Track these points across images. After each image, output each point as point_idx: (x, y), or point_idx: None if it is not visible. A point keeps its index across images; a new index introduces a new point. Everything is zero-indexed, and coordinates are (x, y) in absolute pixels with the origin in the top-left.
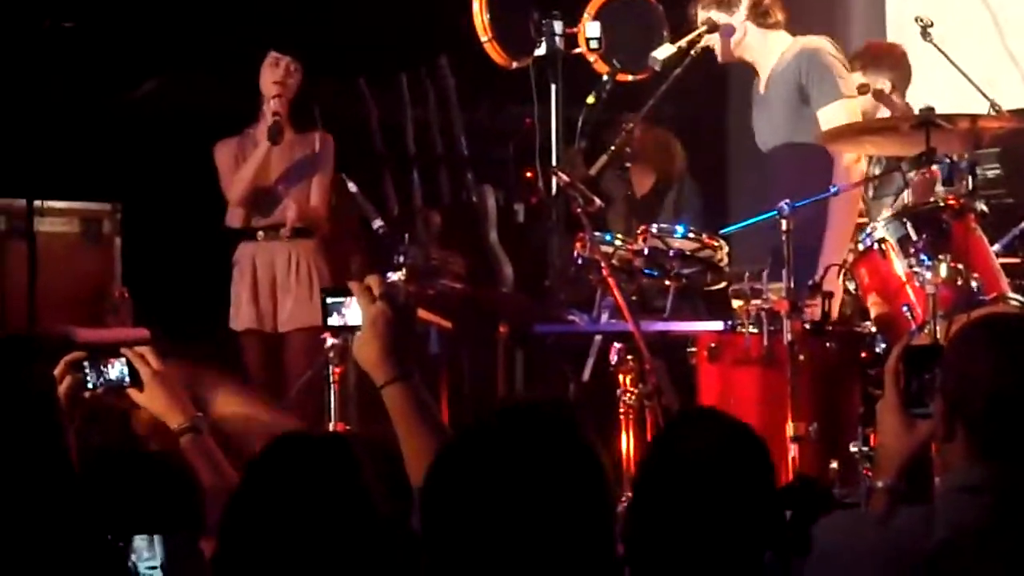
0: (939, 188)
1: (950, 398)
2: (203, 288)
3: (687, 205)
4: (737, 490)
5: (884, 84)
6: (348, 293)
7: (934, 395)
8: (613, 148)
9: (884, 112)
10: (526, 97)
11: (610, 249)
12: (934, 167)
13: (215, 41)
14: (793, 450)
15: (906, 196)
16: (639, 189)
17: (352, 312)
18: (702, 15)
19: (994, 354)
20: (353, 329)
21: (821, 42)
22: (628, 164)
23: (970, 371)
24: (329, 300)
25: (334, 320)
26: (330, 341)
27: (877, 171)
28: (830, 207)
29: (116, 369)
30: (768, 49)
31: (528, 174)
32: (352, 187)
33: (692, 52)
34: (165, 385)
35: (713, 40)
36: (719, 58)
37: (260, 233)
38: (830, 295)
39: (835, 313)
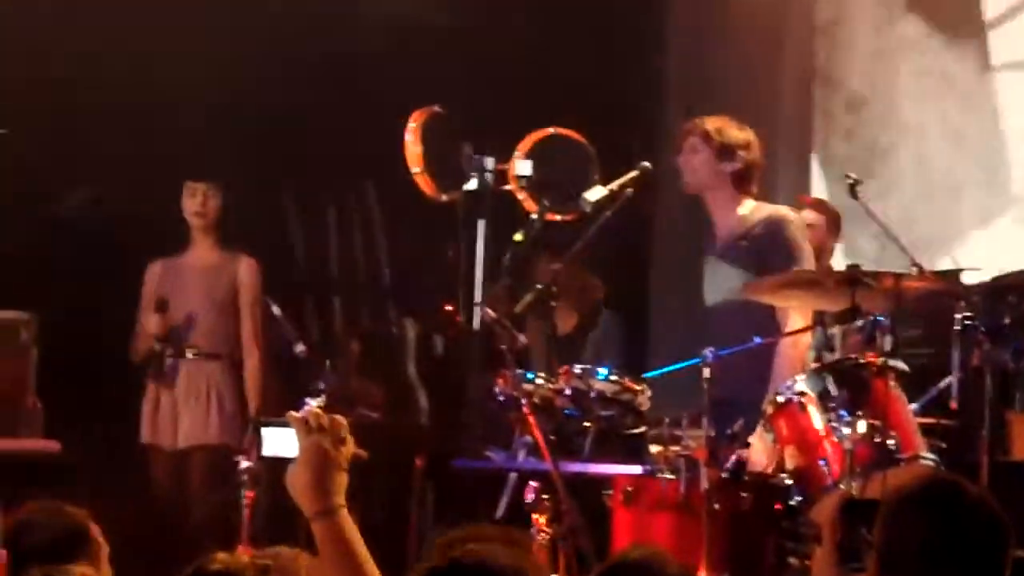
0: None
1: (884, 558)
2: (116, 401)
3: (610, 341)
4: None
5: (815, 229)
6: (283, 424)
7: (868, 551)
8: (540, 287)
9: None
10: (452, 230)
11: (531, 387)
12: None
13: (142, 156)
14: None
15: (827, 354)
16: (562, 327)
17: (286, 442)
18: (694, 140)
19: (928, 518)
20: (286, 460)
21: (788, 212)
22: (554, 303)
23: (904, 532)
24: (265, 429)
25: (268, 449)
26: (244, 464)
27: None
28: (779, 350)
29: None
30: (734, 210)
31: (448, 307)
32: (276, 310)
33: (624, 195)
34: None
35: (693, 165)
36: (688, 187)
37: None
38: (747, 445)
39: (768, 466)
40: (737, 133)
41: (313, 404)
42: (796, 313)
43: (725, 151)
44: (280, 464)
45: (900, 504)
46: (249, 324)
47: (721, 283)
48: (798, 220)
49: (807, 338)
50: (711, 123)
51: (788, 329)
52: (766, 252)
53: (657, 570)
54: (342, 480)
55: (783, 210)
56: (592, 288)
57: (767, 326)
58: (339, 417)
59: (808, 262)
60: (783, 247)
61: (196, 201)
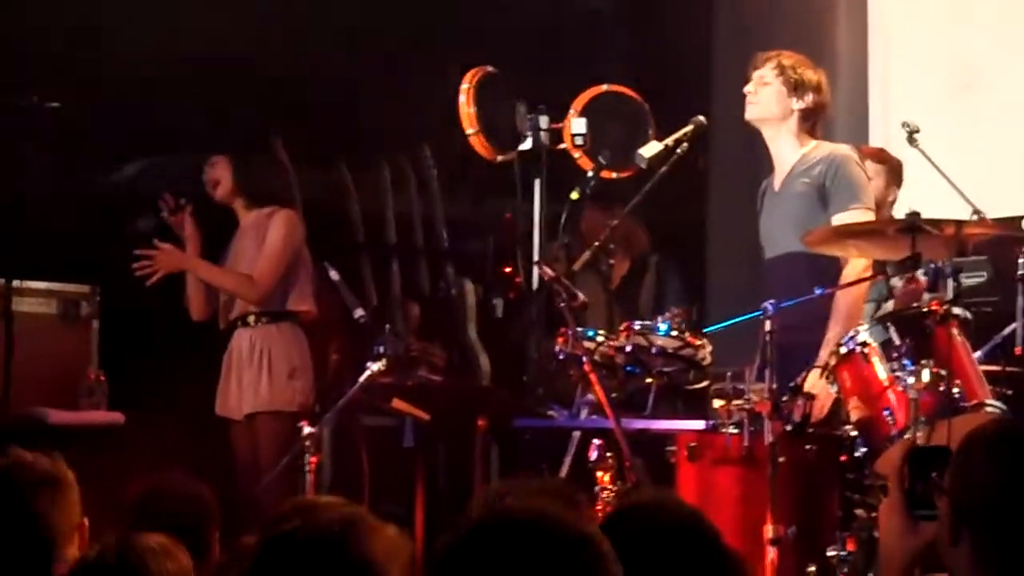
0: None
1: (956, 503)
2: (179, 373)
3: (666, 281)
4: None
5: (875, 180)
6: None
7: (939, 497)
8: (597, 244)
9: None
10: (508, 191)
11: (592, 345)
12: (920, 277)
13: (197, 126)
14: (771, 553)
15: (885, 305)
16: (615, 278)
17: None
18: (766, 71)
19: (1002, 465)
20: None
21: (849, 151)
22: (612, 261)
23: (977, 480)
24: None
25: None
26: (307, 429)
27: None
28: (836, 299)
29: None
30: (796, 146)
31: (507, 269)
32: (334, 275)
33: (678, 150)
34: None
35: (761, 94)
36: (748, 113)
37: (221, 323)
38: (811, 396)
39: (823, 411)
40: (811, 73)
41: (375, 368)
42: (856, 261)
43: (798, 87)
44: (344, 429)
45: (973, 449)
46: (261, 259)
47: (779, 222)
48: (856, 156)
49: (863, 288)
50: (787, 57)
51: (847, 273)
52: (827, 190)
53: (667, 513)
54: None
55: (844, 148)
56: (638, 234)
57: (828, 275)
58: None
59: (869, 200)
60: (844, 185)
61: (207, 175)
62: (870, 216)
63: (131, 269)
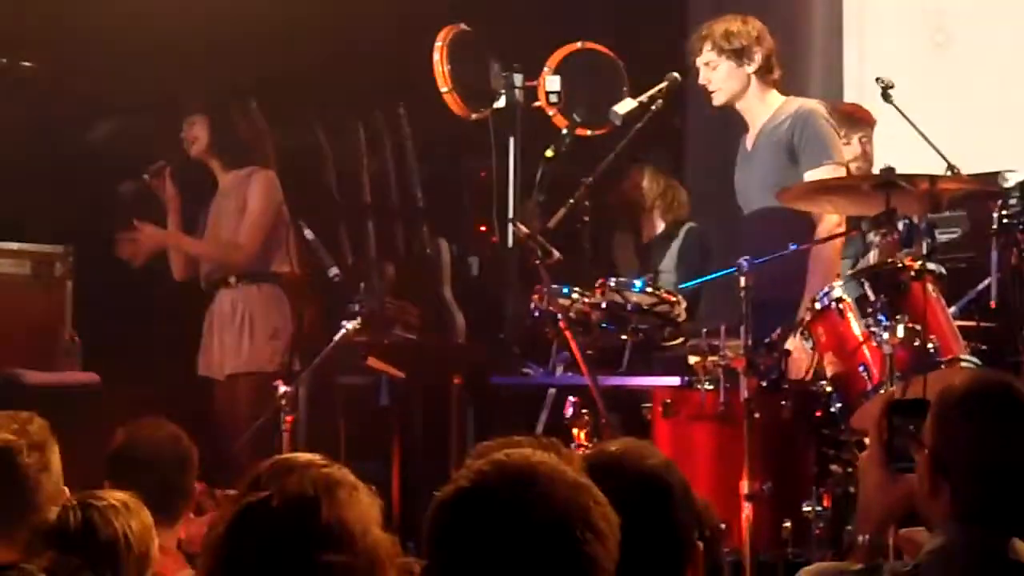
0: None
1: (935, 456)
2: (154, 334)
3: (690, 252)
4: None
5: (855, 145)
6: None
7: (917, 450)
8: (572, 201)
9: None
10: (483, 149)
11: (567, 302)
12: (895, 235)
13: (171, 85)
14: (747, 508)
15: (871, 256)
16: (646, 235)
17: None
18: (708, 55)
19: (978, 420)
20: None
21: (816, 105)
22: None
23: (955, 433)
24: None
25: None
26: (282, 389)
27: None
28: (812, 256)
29: None
30: (764, 105)
31: (483, 227)
32: (309, 234)
33: (653, 107)
34: None
35: (716, 81)
36: (715, 101)
37: (203, 283)
38: (787, 353)
39: (806, 372)
40: (745, 28)
41: (350, 326)
42: (830, 217)
43: (742, 53)
44: (319, 388)
45: (951, 403)
46: (248, 217)
47: (753, 181)
48: (824, 111)
49: (839, 243)
50: (717, 31)
51: (822, 228)
52: (796, 146)
53: (637, 460)
54: None
55: (811, 103)
56: (681, 200)
57: (803, 231)
58: None
59: (839, 153)
60: (813, 141)
61: (185, 133)
62: (841, 171)
63: (112, 240)
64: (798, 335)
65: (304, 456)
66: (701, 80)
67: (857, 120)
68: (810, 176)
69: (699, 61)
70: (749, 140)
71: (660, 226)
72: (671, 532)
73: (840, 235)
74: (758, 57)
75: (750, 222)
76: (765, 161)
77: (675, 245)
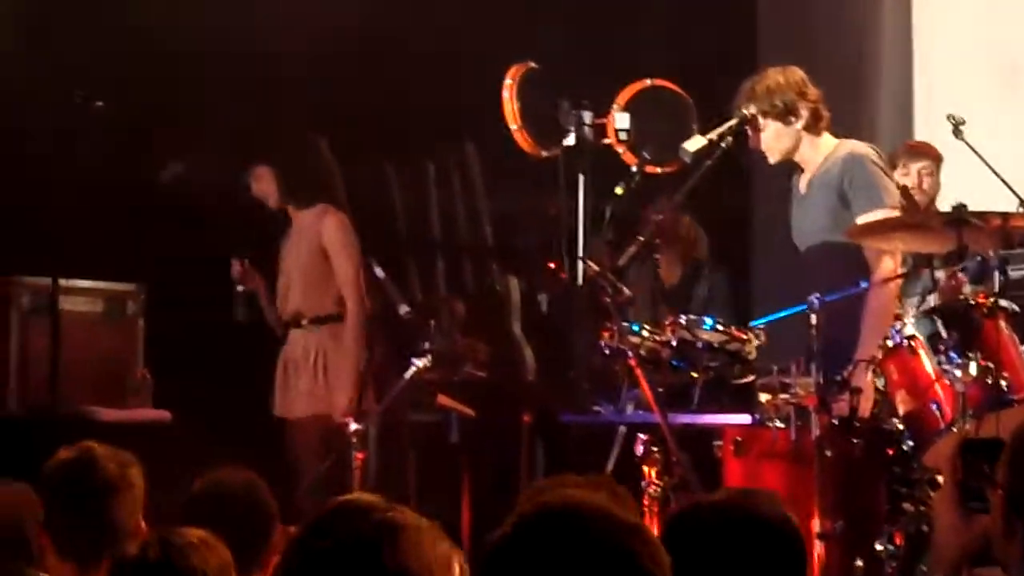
0: (967, 288)
1: (1011, 496)
2: (224, 372)
3: (718, 297)
4: None
5: (913, 175)
6: None
7: (992, 490)
8: (642, 239)
9: None
10: (553, 186)
11: (637, 340)
12: (960, 274)
13: (244, 124)
14: (819, 547)
15: (930, 298)
16: (668, 279)
17: None
18: (757, 120)
19: None
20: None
21: (866, 149)
22: (657, 256)
23: None
24: None
25: None
26: (353, 426)
27: (904, 270)
28: (867, 300)
29: None
30: (815, 151)
31: (552, 264)
32: (379, 272)
33: (722, 144)
34: None
35: (767, 142)
36: (771, 160)
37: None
38: (858, 391)
39: (866, 410)
40: (786, 82)
41: (420, 364)
42: (887, 256)
43: (787, 112)
44: (390, 426)
45: None
46: (341, 274)
47: (808, 224)
48: (874, 154)
49: (892, 293)
50: (760, 91)
51: (878, 272)
52: (847, 192)
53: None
54: None
55: (861, 147)
56: (696, 241)
57: (860, 271)
58: None
59: (890, 197)
60: (863, 187)
61: (254, 188)
62: (893, 214)
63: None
64: (869, 373)
65: (367, 498)
66: (751, 144)
67: (918, 152)
68: (862, 220)
69: (753, 122)
70: (803, 183)
71: (678, 270)
72: None
73: (897, 277)
74: (804, 112)
75: (807, 261)
76: (818, 205)
77: (700, 290)
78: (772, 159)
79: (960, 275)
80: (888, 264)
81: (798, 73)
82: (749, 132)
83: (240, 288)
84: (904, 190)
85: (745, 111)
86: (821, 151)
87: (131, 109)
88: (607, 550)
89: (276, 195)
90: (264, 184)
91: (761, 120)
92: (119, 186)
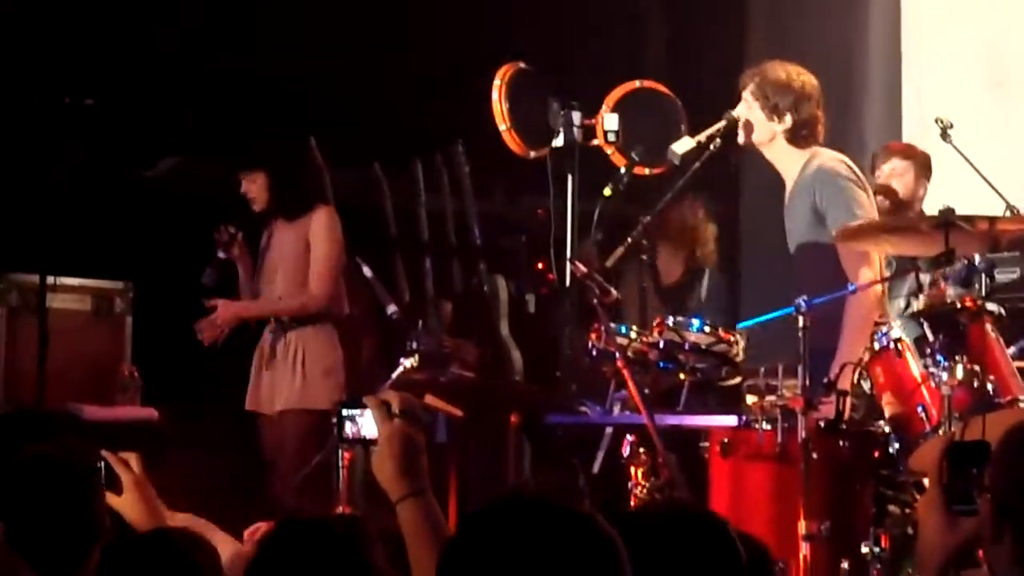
0: (950, 291)
1: (999, 499)
2: (212, 369)
3: (716, 299)
4: None
5: (904, 176)
6: (363, 406)
7: (979, 493)
8: (630, 240)
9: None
10: (541, 187)
11: (625, 341)
12: (943, 282)
13: (232, 122)
14: (805, 548)
15: (915, 300)
16: (667, 277)
17: (367, 424)
18: (750, 96)
19: None
20: (366, 442)
21: (834, 163)
22: (644, 256)
23: (1020, 476)
24: (344, 412)
25: (348, 431)
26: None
27: (888, 272)
28: (846, 306)
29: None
30: (792, 162)
31: (540, 265)
32: (367, 272)
33: (711, 146)
34: (142, 492)
35: (747, 120)
36: (739, 138)
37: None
38: (845, 393)
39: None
40: (792, 85)
41: (407, 364)
42: (865, 266)
43: (775, 112)
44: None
45: (1015, 445)
46: (313, 260)
47: (793, 233)
48: (844, 168)
49: (872, 302)
50: (768, 76)
51: (856, 276)
52: (820, 208)
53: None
54: (425, 462)
55: (830, 162)
56: (699, 227)
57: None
58: (409, 396)
59: (863, 209)
60: (835, 204)
61: (245, 190)
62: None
63: (170, 276)
64: (855, 375)
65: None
66: (735, 113)
67: (889, 152)
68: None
69: (743, 95)
70: (786, 193)
71: (680, 269)
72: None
73: (883, 281)
74: (788, 120)
75: (796, 263)
76: (797, 218)
77: (700, 290)
78: (740, 138)
79: (943, 283)
80: (866, 275)
81: (810, 82)
82: (738, 134)
83: (220, 255)
84: (888, 190)
85: (734, 114)
86: (798, 162)
87: (119, 107)
88: (562, 538)
89: (266, 202)
90: (255, 187)
91: (753, 100)
92: (108, 183)
